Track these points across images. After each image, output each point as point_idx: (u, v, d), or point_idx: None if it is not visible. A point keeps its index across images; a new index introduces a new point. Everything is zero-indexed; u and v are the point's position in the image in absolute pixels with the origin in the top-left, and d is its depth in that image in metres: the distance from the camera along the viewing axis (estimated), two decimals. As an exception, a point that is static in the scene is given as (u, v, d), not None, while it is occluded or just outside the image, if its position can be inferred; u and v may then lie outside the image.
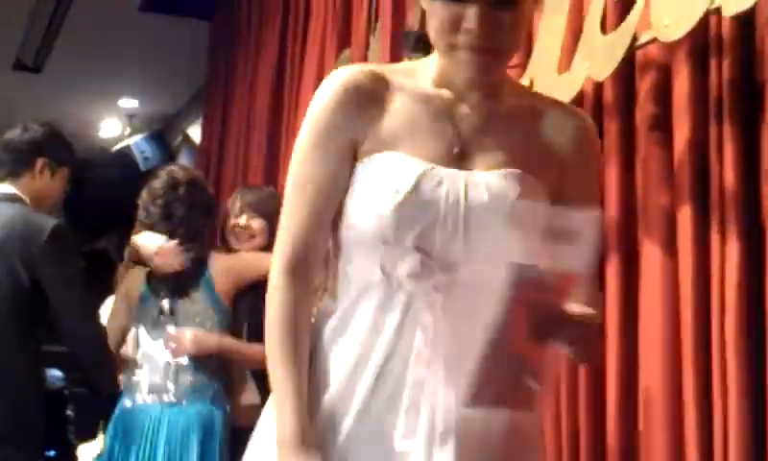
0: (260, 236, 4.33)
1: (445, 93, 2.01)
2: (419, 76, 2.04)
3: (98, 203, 9.33)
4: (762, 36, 2.87)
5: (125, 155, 9.42)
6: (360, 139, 1.97)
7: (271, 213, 4.23)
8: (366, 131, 1.97)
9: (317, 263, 2.00)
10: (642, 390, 3.15)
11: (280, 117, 6.09)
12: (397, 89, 2.01)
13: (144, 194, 4.11)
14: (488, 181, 1.93)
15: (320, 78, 5.37)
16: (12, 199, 3.62)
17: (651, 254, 3.16)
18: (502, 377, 1.82)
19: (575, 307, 1.80)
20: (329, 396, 1.93)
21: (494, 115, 2.02)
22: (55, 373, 5.18)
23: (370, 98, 1.98)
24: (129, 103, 9.62)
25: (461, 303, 1.87)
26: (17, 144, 3.71)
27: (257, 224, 4.33)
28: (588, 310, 1.81)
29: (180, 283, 4.02)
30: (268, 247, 4.29)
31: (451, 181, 1.92)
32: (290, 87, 5.98)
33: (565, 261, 1.79)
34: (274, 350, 1.93)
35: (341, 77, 2.01)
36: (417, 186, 1.90)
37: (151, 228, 4.03)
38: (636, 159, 3.26)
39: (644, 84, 3.25)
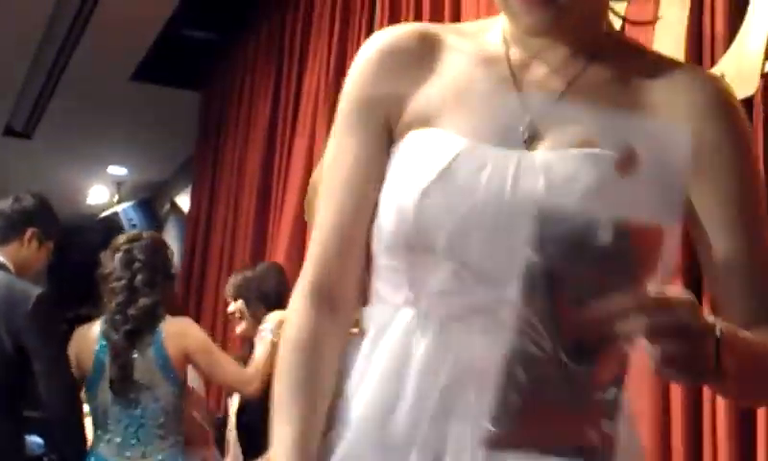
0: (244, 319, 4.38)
1: (516, 54, 1.49)
2: (485, 34, 1.53)
3: (83, 268, 9.31)
4: (757, 117, 2.92)
5: (112, 221, 9.42)
6: (396, 113, 1.50)
7: (243, 292, 4.34)
8: (404, 102, 1.49)
9: (350, 285, 1.54)
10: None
11: (269, 189, 6.11)
12: (452, 50, 1.51)
13: (107, 250, 4.05)
14: (550, 162, 1.38)
15: (311, 145, 5.43)
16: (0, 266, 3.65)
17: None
18: (549, 406, 1.27)
19: (669, 289, 1.24)
20: (347, 441, 1.44)
21: (582, 81, 1.47)
22: (35, 439, 5.15)
23: (411, 61, 1.51)
24: (117, 170, 9.65)
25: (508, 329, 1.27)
26: (9, 212, 3.73)
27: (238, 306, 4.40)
28: (689, 296, 1.24)
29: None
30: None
31: (498, 164, 1.39)
32: (279, 160, 6.01)
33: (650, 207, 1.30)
34: (279, 389, 1.50)
35: (380, 38, 1.55)
36: (449, 170, 1.39)
37: (109, 275, 3.95)
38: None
39: None
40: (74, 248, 9.61)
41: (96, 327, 3.88)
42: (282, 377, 1.50)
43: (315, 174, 4.97)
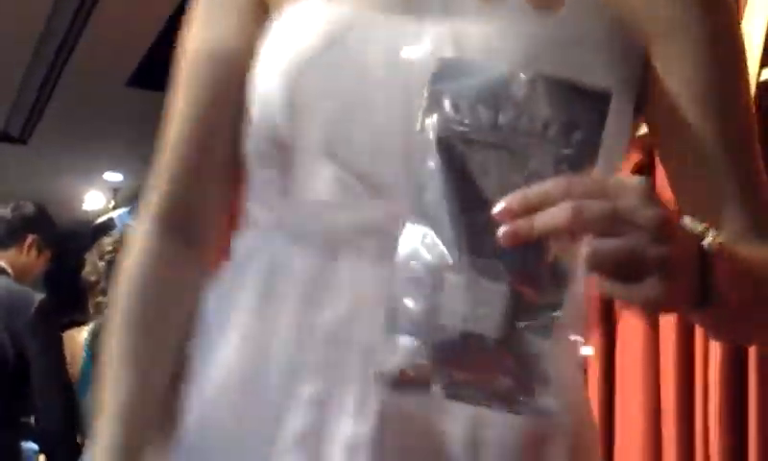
0: None
1: None
2: None
3: (79, 274, 9.35)
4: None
5: (108, 227, 9.43)
6: None
7: None
8: None
9: (212, 206, 1.22)
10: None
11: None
12: None
13: (93, 251, 4.12)
14: (463, 32, 1.04)
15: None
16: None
17: (632, 332, 3.21)
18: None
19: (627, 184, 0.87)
20: (198, 405, 1.10)
21: None
22: (31, 446, 5.17)
23: None
24: (113, 176, 9.66)
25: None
26: (10, 218, 3.76)
27: None
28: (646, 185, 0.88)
29: None
30: None
31: (392, 35, 1.05)
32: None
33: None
34: (114, 332, 1.16)
35: None
36: (326, 45, 1.06)
37: (96, 284, 3.99)
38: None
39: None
40: (69, 253, 9.64)
41: (84, 335, 3.91)
42: (116, 328, 1.15)
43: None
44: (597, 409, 3.28)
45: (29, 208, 3.82)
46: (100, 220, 9.45)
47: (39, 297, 3.63)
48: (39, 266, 3.88)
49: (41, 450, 3.66)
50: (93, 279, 3.97)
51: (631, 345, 3.23)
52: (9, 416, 3.56)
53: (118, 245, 4.06)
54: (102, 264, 3.95)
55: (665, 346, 3.09)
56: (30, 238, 3.77)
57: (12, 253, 3.74)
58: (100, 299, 3.88)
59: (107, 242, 4.04)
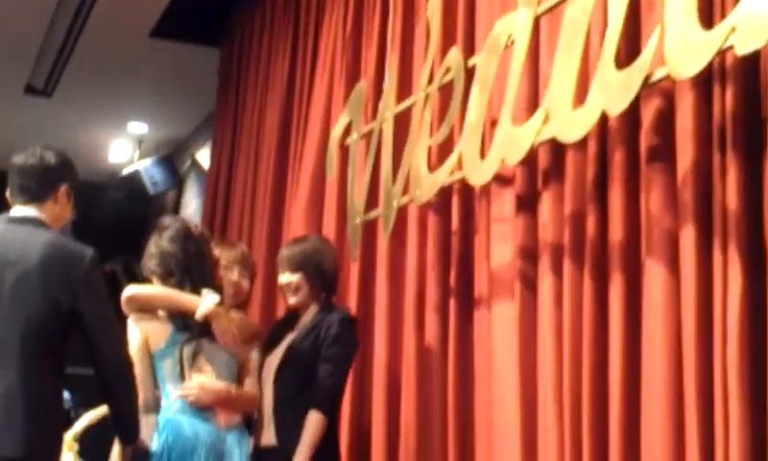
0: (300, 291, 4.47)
1: None
2: None
3: (106, 225, 9.41)
4: (767, 68, 2.99)
5: (133, 179, 9.48)
6: None
7: (304, 265, 4.43)
8: None
9: None
10: (645, 411, 3.24)
11: (289, 142, 6.17)
12: None
13: (156, 242, 4.21)
14: None
15: (329, 102, 5.49)
16: (39, 223, 3.71)
17: (654, 279, 3.25)
18: None
19: None
20: None
21: None
22: (64, 394, 5.24)
23: None
24: (138, 127, 9.68)
25: None
26: (42, 170, 3.78)
27: (295, 279, 4.46)
28: None
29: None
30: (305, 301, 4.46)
31: None
32: (299, 112, 6.07)
33: None
34: None
35: None
36: None
37: (167, 276, 4.15)
38: (640, 185, 3.36)
39: (648, 113, 3.36)
40: (97, 205, 9.71)
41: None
42: None
43: (334, 130, 5.07)
44: (621, 354, 3.33)
45: (55, 157, 3.84)
46: (126, 171, 9.54)
47: (91, 252, 3.67)
48: (69, 213, 3.93)
49: (103, 395, 3.76)
50: (160, 270, 4.22)
51: (652, 293, 3.28)
52: (57, 366, 3.64)
53: (183, 236, 4.25)
54: (171, 260, 4.19)
55: (686, 293, 3.13)
56: (63, 188, 3.81)
57: (48, 205, 3.78)
58: (173, 279, 4.18)
59: (171, 235, 4.24)
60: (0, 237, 3.70)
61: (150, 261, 4.23)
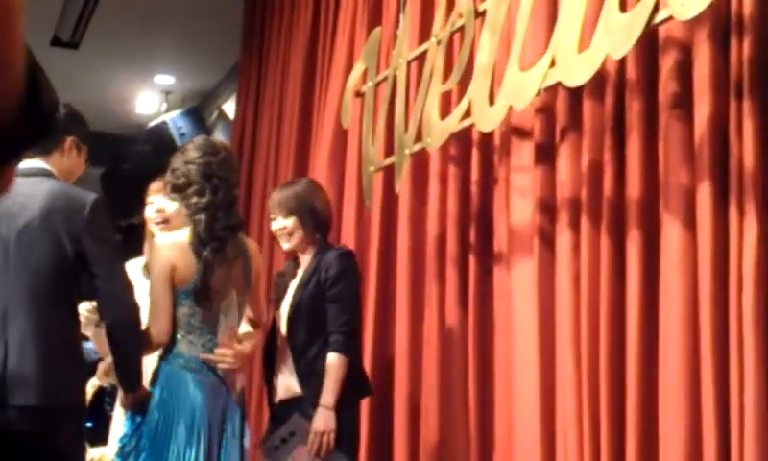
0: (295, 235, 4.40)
1: None
2: None
3: (134, 177, 9.42)
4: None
5: (161, 130, 9.48)
6: None
7: (297, 209, 4.36)
8: None
9: None
10: (661, 361, 3.23)
11: (313, 91, 6.17)
12: None
13: (180, 157, 4.08)
14: None
15: (351, 52, 5.46)
16: (46, 174, 3.73)
17: (671, 229, 3.24)
18: None
19: None
20: None
21: None
22: (90, 345, 5.27)
23: None
24: (165, 79, 9.68)
25: None
26: None
27: (289, 224, 4.40)
28: None
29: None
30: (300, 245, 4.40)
31: None
32: (322, 61, 6.06)
33: None
34: None
35: None
36: None
37: (186, 187, 4.01)
38: (657, 136, 3.34)
39: (666, 63, 3.33)
40: (124, 158, 9.74)
41: (185, 235, 3.98)
42: None
43: (350, 78, 5.04)
44: (638, 307, 3.32)
45: (61, 111, 3.85)
46: (153, 123, 9.56)
47: (93, 196, 3.66)
48: (80, 165, 3.92)
49: (108, 340, 3.73)
50: (181, 182, 4.01)
51: (669, 246, 3.27)
52: (72, 313, 3.65)
53: (208, 152, 4.07)
54: (193, 168, 3.99)
55: (702, 245, 3.12)
56: (69, 140, 3.81)
57: (55, 157, 3.79)
58: (195, 199, 3.97)
59: (193, 148, 4.06)
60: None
61: (170, 176, 4.07)
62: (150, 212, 4.35)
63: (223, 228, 3.97)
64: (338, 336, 4.19)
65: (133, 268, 4.25)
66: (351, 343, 4.25)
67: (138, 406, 3.89)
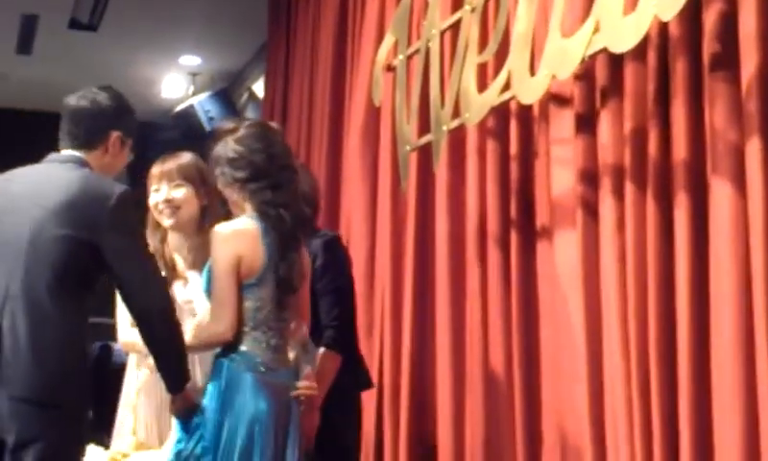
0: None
1: None
2: None
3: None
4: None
5: (188, 115, 9.51)
6: None
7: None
8: None
9: None
10: (714, 324, 3.24)
11: (344, 67, 6.20)
12: None
13: (230, 145, 3.87)
14: None
15: (382, 23, 5.47)
16: (80, 163, 3.67)
17: (720, 194, 3.24)
18: None
19: None
20: None
21: None
22: (119, 346, 5.27)
23: None
24: (191, 60, 9.71)
25: None
26: (91, 117, 3.71)
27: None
28: None
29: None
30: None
31: None
32: (352, 37, 6.08)
33: None
34: None
35: None
36: None
37: (254, 179, 3.83)
38: (703, 97, 3.33)
39: (710, 19, 3.31)
40: (152, 145, 9.78)
41: (251, 225, 3.82)
42: None
43: (380, 51, 5.05)
44: (688, 277, 3.33)
45: (107, 101, 3.80)
46: (180, 107, 9.61)
47: (120, 188, 3.61)
48: (123, 159, 3.85)
49: (145, 340, 3.69)
50: (242, 175, 3.82)
51: (718, 213, 3.26)
52: (74, 309, 3.60)
53: (264, 136, 3.91)
54: (261, 157, 3.82)
55: (754, 211, 3.11)
56: (114, 135, 3.78)
57: (98, 152, 3.75)
58: (269, 195, 3.81)
59: (250, 134, 3.93)
60: (34, 174, 3.70)
61: (225, 168, 3.87)
62: (156, 201, 4.30)
63: (302, 223, 3.91)
64: (329, 331, 4.19)
65: None
66: (343, 337, 4.25)
67: (188, 412, 3.79)
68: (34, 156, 3.78)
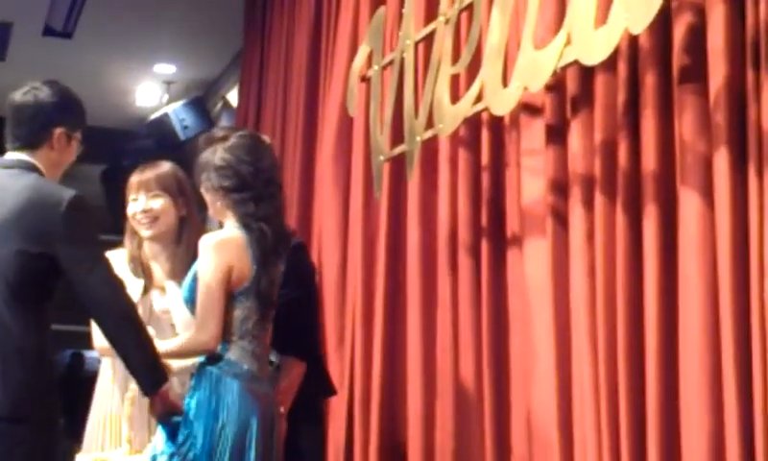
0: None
1: None
2: None
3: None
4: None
5: (163, 123, 9.50)
6: None
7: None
8: None
9: None
10: (682, 334, 3.27)
11: (317, 77, 6.21)
12: None
13: (218, 153, 3.87)
14: None
15: (356, 33, 5.50)
16: (27, 167, 3.62)
17: (689, 205, 3.27)
18: None
19: None
20: None
21: None
22: (94, 354, 5.25)
23: None
24: (165, 69, 9.69)
25: None
26: (32, 115, 3.65)
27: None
28: None
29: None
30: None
31: None
32: (326, 46, 6.10)
33: None
34: None
35: None
36: None
37: (237, 189, 3.83)
38: (673, 109, 3.37)
39: (679, 32, 3.35)
40: (126, 153, 9.76)
41: (239, 235, 3.83)
42: None
43: (355, 62, 5.08)
44: (656, 287, 3.36)
45: (47, 97, 3.73)
46: (154, 116, 9.61)
47: (70, 193, 3.55)
48: (71, 153, 3.75)
49: (112, 343, 3.66)
50: (233, 183, 3.82)
51: (687, 223, 3.30)
52: (33, 319, 3.54)
53: (256, 147, 3.93)
54: (248, 169, 3.83)
55: (721, 222, 3.15)
56: (57, 131, 3.72)
57: (43, 151, 3.69)
58: (252, 208, 3.83)
59: (241, 144, 3.93)
60: None
61: (212, 174, 3.86)
62: (134, 211, 4.30)
63: (282, 238, 3.90)
64: (292, 339, 4.16)
65: (117, 258, 4.18)
66: (306, 344, 4.28)
67: (169, 415, 3.79)
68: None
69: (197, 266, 3.82)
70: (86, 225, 3.62)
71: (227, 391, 3.76)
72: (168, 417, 3.78)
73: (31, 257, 3.50)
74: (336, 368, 5.11)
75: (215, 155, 3.86)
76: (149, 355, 3.65)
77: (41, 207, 3.52)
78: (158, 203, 4.23)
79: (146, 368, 3.66)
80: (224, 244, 3.80)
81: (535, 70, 3.74)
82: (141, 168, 4.36)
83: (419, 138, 4.49)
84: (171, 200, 4.26)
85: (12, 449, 3.42)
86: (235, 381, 3.76)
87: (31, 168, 3.63)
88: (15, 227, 3.50)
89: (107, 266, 3.62)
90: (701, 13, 3.29)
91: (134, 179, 4.32)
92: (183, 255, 4.11)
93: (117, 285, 3.61)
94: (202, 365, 3.80)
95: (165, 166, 4.37)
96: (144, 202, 4.23)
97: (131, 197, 4.28)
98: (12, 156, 3.69)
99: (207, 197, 3.93)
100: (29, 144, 3.67)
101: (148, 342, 3.66)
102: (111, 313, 3.57)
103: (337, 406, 5.09)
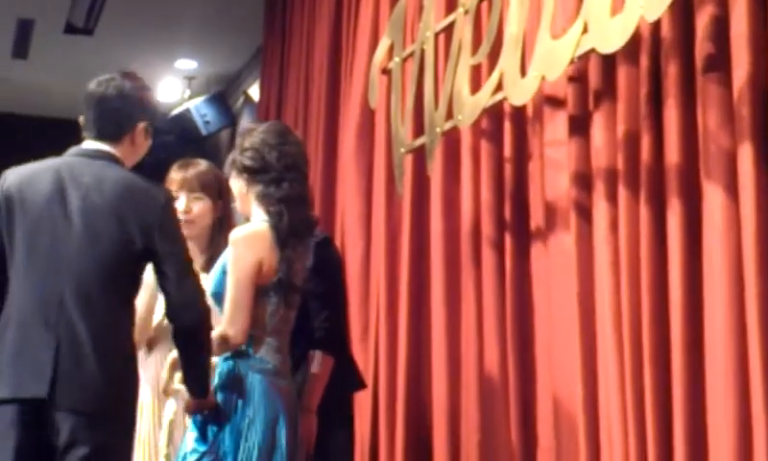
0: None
1: None
2: None
3: (158, 170, 9.48)
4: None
5: (184, 119, 9.50)
6: None
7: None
8: None
9: None
10: (707, 326, 3.25)
11: (338, 70, 6.20)
12: None
13: (255, 138, 3.95)
14: None
15: (376, 26, 5.49)
16: (113, 159, 3.64)
17: (713, 197, 3.25)
18: None
19: None
20: None
21: None
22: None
23: None
24: (187, 64, 9.70)
25: None
26: (117, 108, 3.68)
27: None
28: None
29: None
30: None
31: None
32: (347, 40, 6.09)
33: None
34: None
35: None
36: None
37: (259, 171, 3.89)
38: (696, 100, 3.35)
39: (702, 22, 3.33)
40: (150, 150, 9.75)
41: (267, 227, 3.85)
42: None
43: (376, 54, 5.07)
44: (681, 281, 3.33)
45: (132, 90, 3.72)
46: (175, 111, 9.60)
47: (165, 192, 3.68)
48: (146, 148, 3.82)
49: (175, 344, 3.68)
50: (256, 164, 3.89)
51: (712, 216, 3.28)
52: (129, 308, 3.59)
53: (283, 134, 4.00)
54: (272, 153, 3.90)
55: (746, 217, 3.13)
56: (140, 126, 3.72)
57: (125, 144, 3.68)
58: (272, 189, 3.87)
59: (271, 130, 3.95)
60: (71, 168, 3.62)
61: (237, 156, 3.95)
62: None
63: (302, 223, 3.91)
64: (320, 333, 4.18)
65: None
66: (334, 339, 4.27)
67: (203, 412, 3.82)
68: (29, 161, 3.74)
69: (225, 260, 3.84)
70: (178, 224, 3.72)
71: (253, 387, 3.78)
72: (201, 411, 3.81)
73: (132, 247, 3.54)
74: (360, 360, 5.10)
75: (245, 140, 3.94)
76: (209, 363, 3.71)
77: (142, 200, 3.58)
78: (199, 205, 4.27)
79: (204, 374, 3.71)
80: (253, 237, 3.82)
81: (552, 59, 3.73)
82: (182, 164, 4.37)
83: (438, 130, 4.48)
84: (211, 202, 4.29)
85: (98, 445, 3.43)
86: (261, 377, 3.78)
87: (115, 160, 3.66)
88: (116, 217, 3.54)
89: (193, 268, 3.67)
90: (723, 2, 3.26)
91: (177, 176, 4.33)
92: (217, 256, 4.13)
93: (202, 291, 3.66)
94: (226, 359, 3.81)
95: (205, 166, 4.40)
96: (185, 202, 4.25)
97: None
98: (92, 145, 3.70)
99: (235, 186, 3.96)
100: (111, 135, 3.69)
101: (211, 349, 3.70)
102: (192, 315, 3.59)
103: (362, 401, 5.08)
